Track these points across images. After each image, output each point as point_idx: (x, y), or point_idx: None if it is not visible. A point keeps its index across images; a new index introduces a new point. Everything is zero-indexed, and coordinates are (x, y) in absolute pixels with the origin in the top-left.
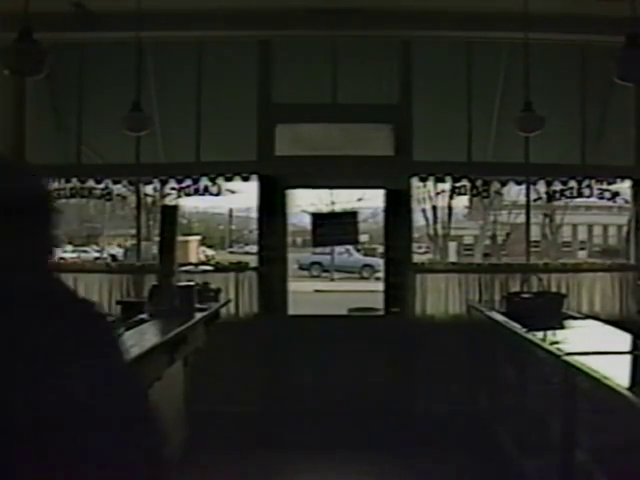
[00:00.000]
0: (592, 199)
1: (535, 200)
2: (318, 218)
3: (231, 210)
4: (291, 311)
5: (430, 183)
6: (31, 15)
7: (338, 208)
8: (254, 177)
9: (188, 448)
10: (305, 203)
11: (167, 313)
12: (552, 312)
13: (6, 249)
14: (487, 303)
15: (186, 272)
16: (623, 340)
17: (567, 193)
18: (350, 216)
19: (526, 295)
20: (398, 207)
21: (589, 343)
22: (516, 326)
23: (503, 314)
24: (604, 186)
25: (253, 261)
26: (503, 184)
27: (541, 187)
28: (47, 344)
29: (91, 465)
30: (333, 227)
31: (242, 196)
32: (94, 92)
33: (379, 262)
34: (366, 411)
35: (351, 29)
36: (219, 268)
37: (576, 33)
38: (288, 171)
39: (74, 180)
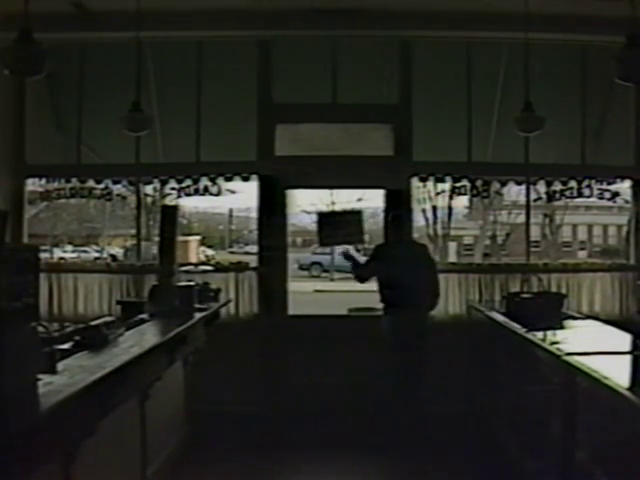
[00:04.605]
0: (592, 199)
1: (535, 200)
2: (323, 217)
3: (231, 210)
4: (291, 311)
5: (430, 183)
6: (31, 15)
7: (338, 208)
8: (254, 177)
9: (188, 448)
10: (305, 203)
11: (167, 313)
12: (552, 312)
13: None
14: (487, 303)
15: (186, 272)
16: (623, 340)
17: (567, 193)
18: (355, 215)
19: (526, 295)
20: (398, 207)
21: (589, 343)
22: (516, 326)
23: (503, 314)
24: (604, 186)
25: (253, 261)
26: (503, 184)
27: (541, 187)
28: None
29: None
30: (339, 227)
31: (242, 196)
32: (94, 92)
33: None
34: (366, 411)
35: (351, 29)
36: (219, 268)
37: (576, 33)
38: (288, 171)
39: (74, 180)
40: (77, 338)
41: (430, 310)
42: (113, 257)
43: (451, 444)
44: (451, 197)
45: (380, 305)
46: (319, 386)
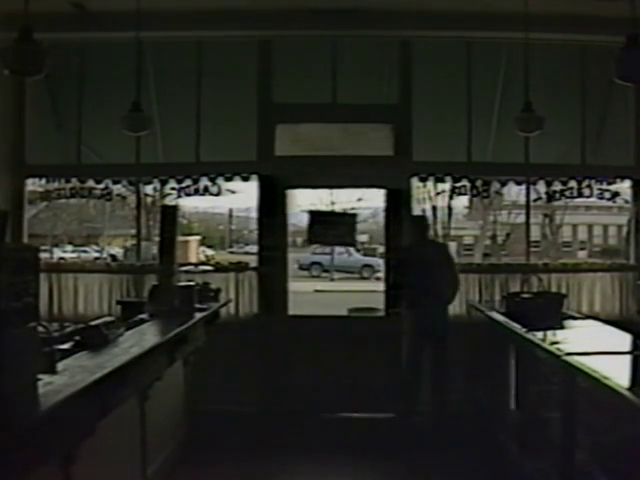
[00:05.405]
0: (592, 199)
1: (535, 200)
2: (316, 215)
3: (231, 210)
4: (291, 311)
5: (430, 183)
6: (31, 15)
7: (338, 208)
8: (254, 177)
9: (188, 448)
10: (305, 203)
11: (167, 313)
12: (552, 312)
13: None
14: (487, 303)
15: (186, 272)
16: (623, 340)
17: (567, 193)
18: (348, 217)
19: (526, 295)
20: (398, 207)
21: (589, 343)
22: (516, 326)
23: (503, 314)
24: (604, 186)
25: (253, 261)
26: (503, 184)
27: (541, 187)
28: None
29: None
30: (330, 227)
31: (242, 196)
32: (94, 92)
33: (379, 262)
34: (366, 411)
35: (351, 29)
36: (219, 268)
37: (576, 33)
38: (288, 171)
39: (74, 180)
40: (77, 338)
41: (449, 304)
42: (113, 257)
43: (451, 444)
44: (451, 197)
45: (381, 306)
46: (319, 386)
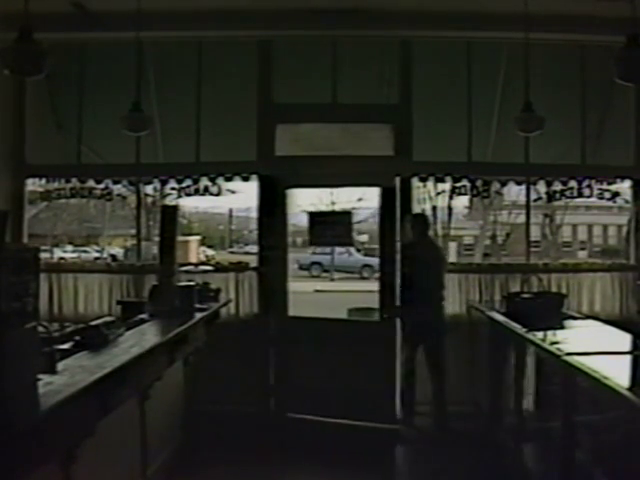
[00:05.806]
0: (592, 199)
1: (535, 200)
2: (315, 216)
3: (231, 210)
4: (291, 311)
5: (430, 183)
6: (31, 15)
7: (338, 208)
8: (254, 177)
9: (188, 448)
10: (305, 203)
11: (167, 313)
12: (552, 312)
13: None
14: (487, 303)
15: (186, 272)
16: (623, 340)
17: (567, 193)
18: (345, 216)
19: (526, 295)
20: (394, 206)
21: (589, 343)
22: (516, 326)
23: (503, 314)
24: (604, 186)
25: (253, 261)
26: (503, 184)
27: (541, 187)
28: None
29: None
30: (328, 227)
31: (242, 196)
32: (94, 92)
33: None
34: (366, 410)
35: (351, 29)
36: (219, 268)
37: (576, 33)
38: (288, 171)
39: (74, 180)
40: (77, 338)
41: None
42: (113, 257)
43: (451, 444)
44: (451, 197)
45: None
46: (319, 386)
